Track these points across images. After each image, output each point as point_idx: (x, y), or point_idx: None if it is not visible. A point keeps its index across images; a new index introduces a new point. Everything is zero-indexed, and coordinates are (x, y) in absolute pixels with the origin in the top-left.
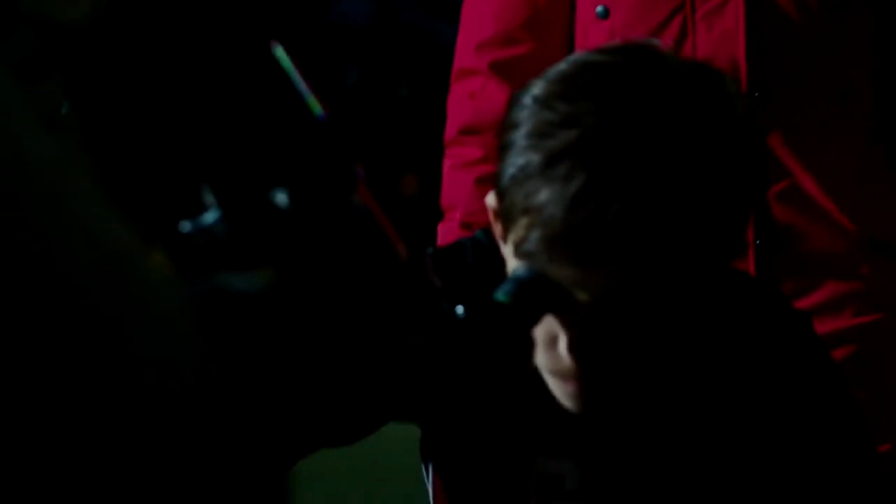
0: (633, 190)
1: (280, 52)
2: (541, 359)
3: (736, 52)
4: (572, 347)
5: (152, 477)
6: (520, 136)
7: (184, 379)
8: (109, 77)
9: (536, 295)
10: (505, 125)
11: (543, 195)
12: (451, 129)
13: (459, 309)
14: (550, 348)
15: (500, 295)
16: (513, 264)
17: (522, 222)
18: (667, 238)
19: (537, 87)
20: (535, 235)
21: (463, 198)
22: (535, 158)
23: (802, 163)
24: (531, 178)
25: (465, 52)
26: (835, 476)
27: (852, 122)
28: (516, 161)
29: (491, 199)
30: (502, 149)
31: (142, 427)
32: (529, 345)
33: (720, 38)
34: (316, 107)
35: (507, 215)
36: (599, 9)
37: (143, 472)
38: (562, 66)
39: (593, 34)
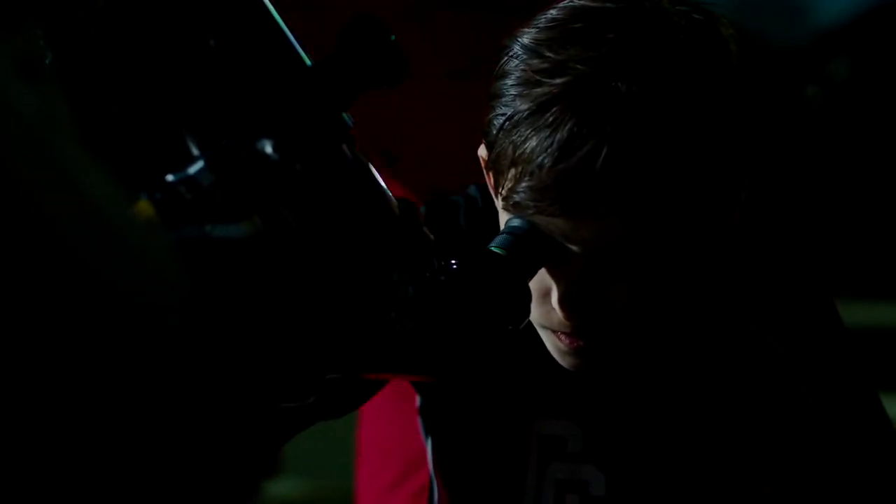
0: (623, 136)
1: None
2: (534, 313)
3: None
4: (564, 301)
5: (144, 430)
6: (508, 85)
7: (174, 326)
8: (92, 26)
9: (531, 246)
10: (495, 74)
11: (531, 144)
12: None
13: (453, 262)
14: (544, 302)
15: (495, 246)
16: (506, 217)
17: (511, 173)
18: (658, 186)
19: (527, 35)
20: (524, 186)
21: None
22: (523, 107)
23: None
24: (519, 127)
25: None
26: (844, 428)
27: None
28: (504, 110)
29: (482, 151)
30: (491, 98)
31: (132, 375)
32: (526, 297)
33: None
34: (303, 54)
35: (496, 167)
36: None
37: (134, 426)
38: (552, 11)
39: None
